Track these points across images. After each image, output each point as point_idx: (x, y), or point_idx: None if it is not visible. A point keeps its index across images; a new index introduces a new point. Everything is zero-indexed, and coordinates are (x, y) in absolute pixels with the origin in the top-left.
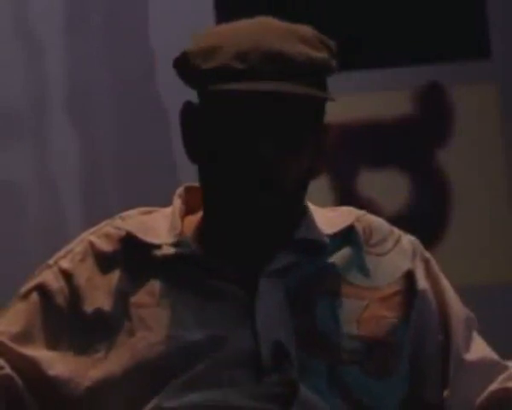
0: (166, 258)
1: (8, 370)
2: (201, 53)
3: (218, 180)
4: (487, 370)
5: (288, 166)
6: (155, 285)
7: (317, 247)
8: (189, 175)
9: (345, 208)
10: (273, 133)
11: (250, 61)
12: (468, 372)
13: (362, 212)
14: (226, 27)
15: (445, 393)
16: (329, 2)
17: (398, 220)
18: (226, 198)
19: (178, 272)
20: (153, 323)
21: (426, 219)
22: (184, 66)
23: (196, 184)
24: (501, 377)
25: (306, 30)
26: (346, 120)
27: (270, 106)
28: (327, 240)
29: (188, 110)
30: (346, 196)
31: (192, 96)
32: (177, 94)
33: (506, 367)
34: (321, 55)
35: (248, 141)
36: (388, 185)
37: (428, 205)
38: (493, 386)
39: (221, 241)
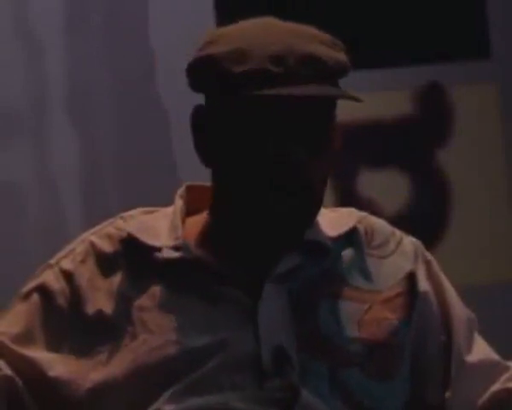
0: (168, 261)
1: (8, 371)
2: (231, 56)
3: (243, 184)
4: (489, 371)
5: (319, 170)
6: (157, 288)
7: (321, 249)
8: (189, 175)
9: (345, 210)
10: (305, 138)
11: (286, 64)
12: (469, 373)
13: (363, 213)
14: (240, 29)
15: (447, 394)
16: (329, 2)
17: (398, 220)
18: (253, 202)
19: (180, 275)
20: (154, 326)
21: (426, 219)
22: (211, 70)
23: (198, 183)
24: (503, 378)
25: (318, 31)
26: (346, 120)
27: (304, 109)
28: (329, 242)
29: (201, 113)
30: (346, 196)
31: (192, 95)
32: (177, 94)
33: (508, 368)
34: (342, 56)
35: (281, 146)
36: (388, 185)
37: (428, 205)
38: (495, 387)
39: (229, 245)
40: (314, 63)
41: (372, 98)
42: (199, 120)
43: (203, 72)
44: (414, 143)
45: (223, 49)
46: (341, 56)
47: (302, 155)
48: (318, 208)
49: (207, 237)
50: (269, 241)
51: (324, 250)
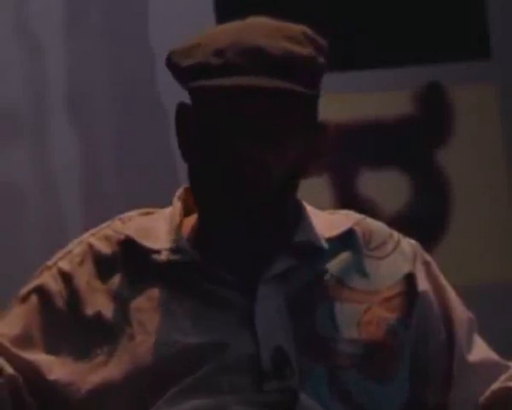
0: (166, 263)
1: (11, 370)
2: (182, 52)
3: (204, 181)
4: (490, 370)
5: (273, 165)
6: (155, 290)
7: (316, 251)
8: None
9: (343, 212)
10: (255, 131)
11: (226, 56)
12: (470, 373)
13: (361, 216)
14: (215, 28)
15: (448, 394)
16: (329, 2)
17: (398, 220)
18: (213, 200)
19: (178, 277)
20: (152, 328)
21: (426, 219)
22: (168, 65)
23: None
24: (503, 377)
25: (295, 28)
26: (346, 120)
27: (252, 103)
28: (325, 244)
29: (180, 111)
30: (346, 196)
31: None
32: (177, 94)
33: (508, 367)
34: (305, 50)
35: (230, 140)
36: (388, 185)
37: (428, 205)
38: (495, 385)
39: (216, 246)
40: (255, 55)
41: (372, 98)
42: (181, 118)
43: (167, 67)
44: (414, 143)
45: (182, 46)
46: (303, 50)
47: (250, 151)
48: (278, 205)
49: (202, 238)
50: (243, 240)
51: (319, 252)
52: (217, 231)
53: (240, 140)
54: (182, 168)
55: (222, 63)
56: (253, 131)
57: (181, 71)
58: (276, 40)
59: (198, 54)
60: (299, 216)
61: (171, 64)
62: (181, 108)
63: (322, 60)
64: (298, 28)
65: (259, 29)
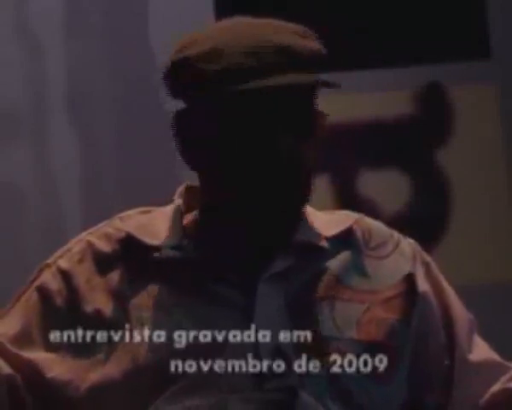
0: (166, 261)
1: (8, 369)
2: (206, 56)
3: (233, 180)
4: (491, 371)
5: (307, 157)
6: (155, 288)
7: (316, 250)
8: (189, 174)
9: (342, 212)
10: (291, 126)
11: (258, 56)
12: (471, 374)
13: (359, 215)
14: (211, 30)
15: (449, 394)
16: (329, 2)
17: (398, 220)
18: (245, 197)
19: (178, 275)
20: (152, 326)
21: (426, 219)
22: (188, 72)
23: (198, 184)
24: (503, 378)
25: (293, 25)
26: (346, 120)
27: (286, 98)
28: (325, 243)
29: (181, 117)
30: (346, 196)
31: None
32: None
33: (509, 368)
34: (316, 45)
35: (268, 136)
36: (388, 185)
37: (428, 205)
38: (496, 387)
39: (220, 244)
40: (287, 53)
41: (372, 98)
42: (183, 124)
43: (180, 75)
44: (414, 143)
45: (197, 51)
46: (315, 45)
47: (291, 143)
48: (306, 197)
49: (203, 236)
50: (262, 230)
51: (318, 251)
52: (225, 228)
53: (285, 138)
54: (182, 167)
55: (257, 64)
56: (290, 127)
57: (208, 76)
58: (293, 36)
59: (226, 57)
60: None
61: (194, 70)
62: (180, 114)
63: (323, 52)
64: (295, 25)
65: (267, 27)
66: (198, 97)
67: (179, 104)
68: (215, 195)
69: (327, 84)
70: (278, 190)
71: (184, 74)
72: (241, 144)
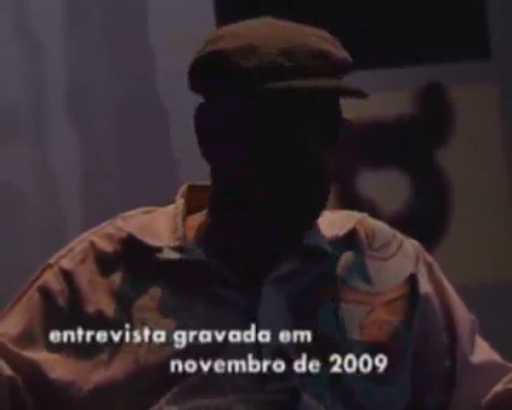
0: (168, 262)
1: (9, 371)
2: (240, 51)
3: (262, 179)
4: (492, 372)
5: (330, 163)
6: (157, 288)
7: (322, 253)
8: (189, 174)
9: (344, 212)
10: (321, 129)
11: (297, 58)
12: (473, 374)
13: (362, 215)
14: (244, 27)
15: (450, 395)
16: (329, 2)
17: (398, 220)
18: (272, 196)
19: (181, 276)
20: (155, 327)
21: (426, 219)
22: (220, 66)
23: (199, 183)
24: (505, 379)
25: (318, 30)
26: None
27: (317, 102)
28: (329, 247)
29: (206, 112)
30: (346, 196)
31: (192, 95)
32: (177, 94)
33: (510, 369)
34: (346, 53)
35: (299, 138)
36: (388, 185)
37: (428, 205)
38: (497, 387)
39: (227, 246)
40: (324, 58)
41: (372, 98)
42: (203, 120)
43: (211, 69)
44: (414, 143)
45: (230, 46)
46: (344, 52)
47: (317, 147)
48: (325, 201)
49: (207, 237)
50: (283, 230)
51: (323, 254)
52: (239, 228)
53: (314, 141)
54: (182, 167)
55: (294, 64)
56: (323, 132)
57: (243, 72)
58: (326, 43)
59: (261, 54)
60: None
61: (228, 64)
62: (203, 108)
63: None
64: (320, 30)
65: (297, 30)
66: (228, 92)
67: (200, 99)
68: (239, 193)
69: (362, 95)
70: (305, 193)
71: (216, 67)
72: (273, 144)
